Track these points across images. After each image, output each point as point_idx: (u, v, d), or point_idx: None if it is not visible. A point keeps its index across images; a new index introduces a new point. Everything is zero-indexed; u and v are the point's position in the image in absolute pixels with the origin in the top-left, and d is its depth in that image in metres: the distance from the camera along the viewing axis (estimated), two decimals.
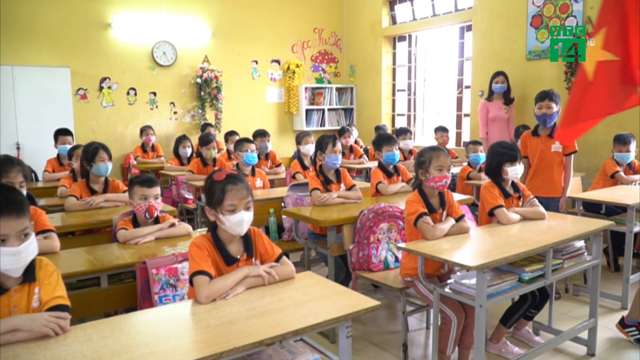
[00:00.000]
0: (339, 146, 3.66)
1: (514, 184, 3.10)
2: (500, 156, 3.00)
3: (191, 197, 5.21)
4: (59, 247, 2.54)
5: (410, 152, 5.92)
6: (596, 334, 2.98)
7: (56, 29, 6.42)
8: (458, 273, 2.61)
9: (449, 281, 2.55)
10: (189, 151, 5.90)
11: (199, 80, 7.31)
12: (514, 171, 3.01)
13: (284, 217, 3.91)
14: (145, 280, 2.29)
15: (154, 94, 7.20)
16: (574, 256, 2.77)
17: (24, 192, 2.70)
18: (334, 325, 1.72)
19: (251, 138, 5.10)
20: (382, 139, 3.95)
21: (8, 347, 1.47)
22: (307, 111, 8.33)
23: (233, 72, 7.72)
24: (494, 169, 3.03)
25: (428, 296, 2.68)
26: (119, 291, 2.40)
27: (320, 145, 3.68)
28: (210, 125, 7.08)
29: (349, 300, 1.81)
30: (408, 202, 2.77)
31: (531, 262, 2.57)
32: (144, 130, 6.62)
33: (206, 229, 2.11)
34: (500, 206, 2.92)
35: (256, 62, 7.99)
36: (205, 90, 7.37)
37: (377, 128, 6.77)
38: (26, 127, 6.06)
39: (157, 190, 2.86)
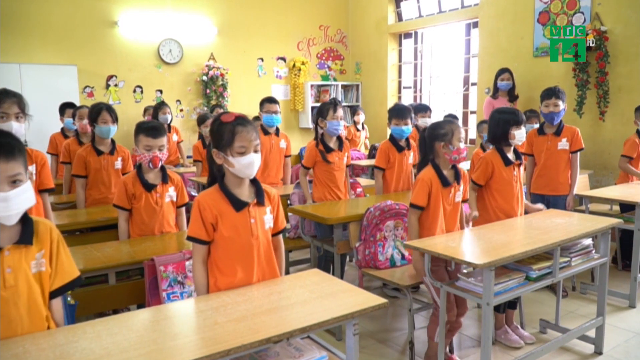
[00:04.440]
0: (340, 112, 3.60)
1: (515, 151, 3.08)
2: (506, 122, 2.96)
3: (197, 194, 5.21)
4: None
5: None
6: (604, 332, 2.97)
7: (63, 27, 6.44)
8: (465, 270, 2.61)
9: (456, 281, 2.55)
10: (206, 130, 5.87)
11: (204, 77, 7.31)
12: (520, 134, 2.99)
13: (290, 214, 3.91)
14: (153, 277, 2.31)
15: (160, 91, 7.21)
16: (581, 254, 2.77)
17: (22, 125, 2.64)
18: (341, 322, 1.72)
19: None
20: (394, 112, 3.82)
21: (17, 343, 1.48)
22: (313, 108, 8.30)
23: (239, 70, 7.72)
24: (500, 136, 3.00)
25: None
26: (126, 288, 2.42)
27: (321, 112, 3.64)
28: (219, 106, 6.95)
29: (356, 298, 1.81)
30: (419, 179, 2.69)
31: (538, 260, 2.57)
32: (148, 111, 6.43)
33: None
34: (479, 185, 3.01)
35: (262, 59, 7.98)
36: (211, 87, 7.37)
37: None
38: (33, 125, 5.99)
39: (163, 140, 2.81)
